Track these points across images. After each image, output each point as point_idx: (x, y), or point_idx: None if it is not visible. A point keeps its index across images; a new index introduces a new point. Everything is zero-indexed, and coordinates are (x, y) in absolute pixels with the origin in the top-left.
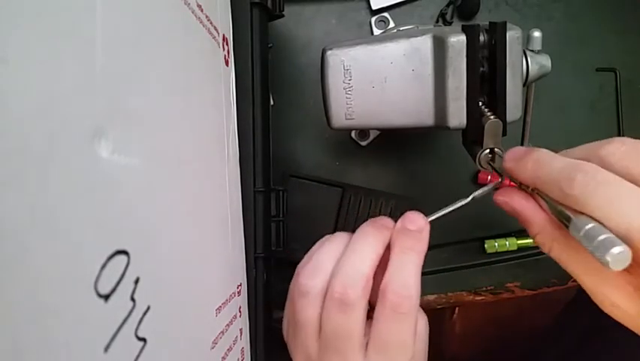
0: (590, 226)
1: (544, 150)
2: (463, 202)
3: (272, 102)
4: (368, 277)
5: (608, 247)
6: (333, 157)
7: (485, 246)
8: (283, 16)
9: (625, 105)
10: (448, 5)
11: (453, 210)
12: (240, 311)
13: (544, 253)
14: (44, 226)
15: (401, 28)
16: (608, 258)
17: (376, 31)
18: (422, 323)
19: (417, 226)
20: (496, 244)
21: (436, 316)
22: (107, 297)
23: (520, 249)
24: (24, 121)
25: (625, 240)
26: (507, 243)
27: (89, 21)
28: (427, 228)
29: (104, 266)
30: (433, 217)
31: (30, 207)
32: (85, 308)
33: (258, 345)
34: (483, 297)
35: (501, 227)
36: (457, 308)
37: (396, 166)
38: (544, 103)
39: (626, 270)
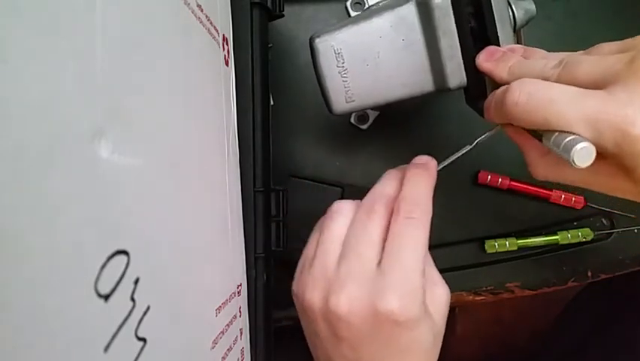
0: (556, 133)
1: (500, 89)
2: (468, 148)
3: (272, 102)
4: (390, 197)
5: (571, 146)
6: (333, 155)
7: (485, 246)
8: (283, 16)
9: None
10: None
11: (458, 157)
12: (239, 311)
13: (544, 253)
14: (44, 226)
15: (380, 3)
16: (574, 156)
17: (353, 15)
18: (442, 292)
19: (423, 160)
20: (496, 244)
21: None
22: (107, 297)
23: (520, 249)
24: (24, 121)
25: (591, 137)
26: (507, 243)
27: (89, 21)
28: (434, 162)
29: (104, 266)
30: (440, 166)
31: (30, 207)
32: (85, 308)
33: (258, 345)
34: (483, 297)
35: (501, 227)
36: (457, 308)
37: (397, 160)
38: None
39: (603, 161)
